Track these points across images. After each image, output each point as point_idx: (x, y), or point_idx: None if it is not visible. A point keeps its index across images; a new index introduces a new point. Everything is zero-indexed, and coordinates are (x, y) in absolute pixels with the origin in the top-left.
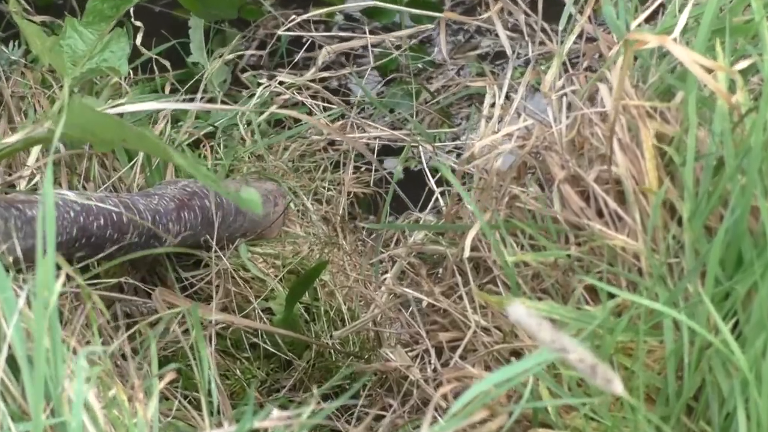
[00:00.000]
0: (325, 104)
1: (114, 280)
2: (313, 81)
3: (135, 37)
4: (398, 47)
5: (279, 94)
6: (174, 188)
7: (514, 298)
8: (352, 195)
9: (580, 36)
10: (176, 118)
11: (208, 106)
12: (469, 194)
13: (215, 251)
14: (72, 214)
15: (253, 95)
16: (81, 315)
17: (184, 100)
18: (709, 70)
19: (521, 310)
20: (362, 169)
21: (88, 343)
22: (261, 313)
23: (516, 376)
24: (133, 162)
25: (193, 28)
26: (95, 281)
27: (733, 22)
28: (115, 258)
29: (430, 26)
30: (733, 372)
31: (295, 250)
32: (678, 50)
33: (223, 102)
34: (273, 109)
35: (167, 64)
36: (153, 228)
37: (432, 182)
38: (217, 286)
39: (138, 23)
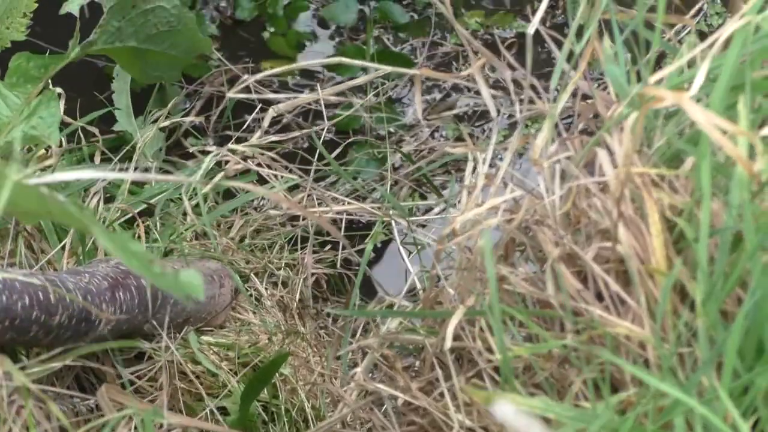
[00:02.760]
0: (280, 173)
1: (54, 364)
2: (269, 149)
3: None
4: (367, 109)
5: (228, 162)
6: (106, 266)
7: (502, 393)
8: (314, 277)
9: (573, 95)
10: (110, 192)
11: (152, 176)
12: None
13: (158, 339)
14: None
15: (199, 165)
16: (15, 411)
17: (120, 170)
18: (723, 131)
19: (509, 409)
20: (326, 248)
21: None
22: (214, 413)
23: None
24: (62, 243)
25: (118, 92)
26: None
27: (752, 76)
28: (42, 344)
29: (387, 68)
30: None
31: (252, 340)
32: (695, 112)
33: (161, 172)
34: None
35: (96, 131)
36: (85, 308)
37: (407, 261)
38: (161, 384)
39: (58, 90)
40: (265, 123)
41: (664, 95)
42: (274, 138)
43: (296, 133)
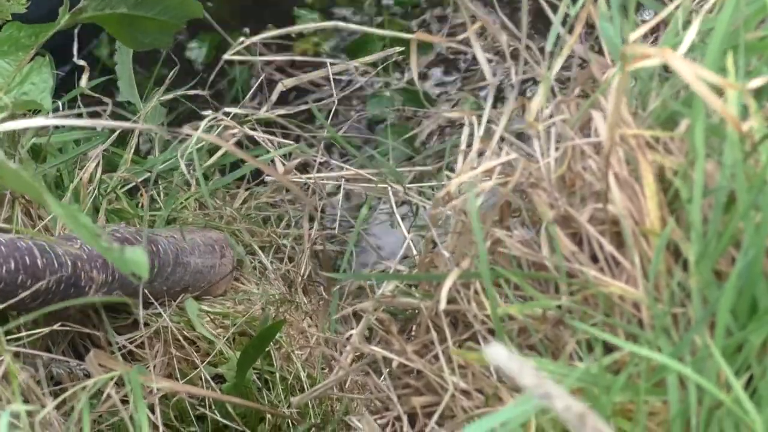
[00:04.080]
0: (283, 141)
1: (42, 329)
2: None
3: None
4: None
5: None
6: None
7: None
8: (316, 251)
9: (570, 57)
10: (111, 162)
11: (110, 123)
12: (444, 239)
13: (154, 305)
14: None
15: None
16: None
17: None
18: (718, 92)
19: (502, 353)
20: (333, 224)
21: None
22: (209, 379)
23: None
24: None
25: (120, 63)
26: (18, 336)
27: (745, 38)
28: (30, 308)
29: (399, 48)
30: None
31: (248, 310)
32: (680, 64)
33: (163, 143)
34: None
35: (108, 101)
36: (74, 273)
37: (402, 226)
38: (157, 351)
39: (82, 62)
40: (273, 96)
41: (647, 51)
42: (278, 110)
43: (299, 107)
